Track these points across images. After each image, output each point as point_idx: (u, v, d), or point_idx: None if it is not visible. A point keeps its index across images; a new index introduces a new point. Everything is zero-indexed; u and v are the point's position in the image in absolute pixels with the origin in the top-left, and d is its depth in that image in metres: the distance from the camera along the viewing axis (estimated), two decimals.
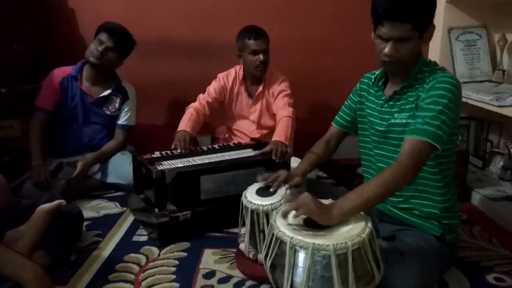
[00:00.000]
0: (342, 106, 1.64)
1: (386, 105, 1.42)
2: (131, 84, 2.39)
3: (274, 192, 1.48)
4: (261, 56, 2.17)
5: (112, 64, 2.23)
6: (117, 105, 2.31)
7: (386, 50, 1.28)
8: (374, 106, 1.48)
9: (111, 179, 2.24)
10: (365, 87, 1.54)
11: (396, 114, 1.39)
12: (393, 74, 1.42)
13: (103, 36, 2.15)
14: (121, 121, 2.34)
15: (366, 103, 1.52)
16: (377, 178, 1.23)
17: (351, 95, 1.61)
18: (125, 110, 2.34)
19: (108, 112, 2.29)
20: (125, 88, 2.34)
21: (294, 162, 2.02)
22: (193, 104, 2.25)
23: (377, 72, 1.49)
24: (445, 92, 1.25)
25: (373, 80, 1.49)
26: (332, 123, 1.67)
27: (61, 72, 2.22)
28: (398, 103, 1.39)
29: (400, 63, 1.31)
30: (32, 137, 2.14)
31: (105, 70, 2.23)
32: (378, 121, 1.45)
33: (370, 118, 1.50)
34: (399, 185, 1.22)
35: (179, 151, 1.97)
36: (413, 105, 1.33)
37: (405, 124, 1.35)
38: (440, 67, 1.37)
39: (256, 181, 1.57)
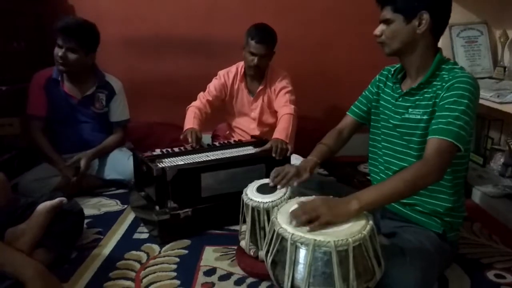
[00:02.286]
0: (359, 97, 1.62)
1: (401, 99, 1.43)
2: (116, 78, 2.31)
3: (275, 189, 1.48)
4: (255, 60, 2.16)
5: (80, 63, 2.10)
6: (104, 102, 2.25)
7: (375, 30, 1.37)
8: (390, 98, 1.48)
9: (110, 176, 2.24)
10: (383, 78, 1.54)
11: (410, 109, 1.39)
12: (404, 66, 1.42)
13: (59, 39, 2.04)
14: (115, 118, 2.30)
15: (381, 94, 1.53)
16: (402, 174, 1.22)
17: (369, 85, 1.60)
18: (116, 106, 2.28)
19: (95, 110, 2.25)
20: (110, 82, 2.26)
21: (295, 159, 2.03)
22: (194, 103, 2.25)
23: (397, 65, 1.49)
24: (466, 93, 1.25)
25: (392, 72, 1.49)
26: (347, 112, 1.65)
27: (42, 76, 2.18)
28: (413, 98, 1.39)
29: (387, 45, 1.37)
30: (42, 145, 2.17)
31: (76, 71, 2.13)
32: (391, 114, 1.45)
33: (384, 110, 1.50)
34: (423, 184, 1.21)
35: (193, 145, 1.97)
36: (430, 102, 1.33)
37: (419, 120, 1.35)
38: (459, 66, 1.36)
39: (259, 178, 1.57)
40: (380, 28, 1.37)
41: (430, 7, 1.29)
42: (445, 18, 1.35)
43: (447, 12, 1.35)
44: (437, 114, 1.29)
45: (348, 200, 1.17)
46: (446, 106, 1.26)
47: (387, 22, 1.34)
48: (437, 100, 1.31)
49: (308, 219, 1.13)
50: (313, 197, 1.30)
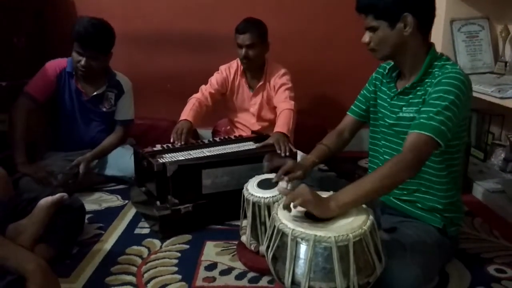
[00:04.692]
0: (358, 96, 1.62)
1: (396, 98, 1.42)
2: (126, 77, 2.30)
3: (276, 185, 1.47)
4: (243, 51, 2.16)
5: (102, 66, 2.15)
6: (112, 101, 2.24)
7: (362, 38, 1.37)
8: (385, 97, 1.47)
9: (111, 172, 2.23)
10: (379, 76, 1.54)
11: (404, 108, 1.39)
12: (397, 66, 1.42)
13: (79, 47, 2.02)
14: (120, 117, 2.29)
15: (378, 93, 1.52)
16: (378, 171, 1.22)
17: (367, 84, 1.59)
18: (122, 105, 2.27)
19: (104, 109, 2.24)
20: (120, 81, 2.26)
21: (298, 156, 2.02)
22: (195, 95, 2.25)
23: (391, 63, 1.48)
24: (452, 88, 1.25)
25: (386, 71, 1.49)
26: (347, 112, 1.65)
27: (56, 65, 2.16)
28: (407, 97, 1.39)
29: (378, 52, 1.37)
30: (19, 127, 2.04)
31: (98, 74, 2.16)
32: (388, 113, 1.45)
33: (381, 109, 1.50)
34: (399, 179, 1.21)
35: (176, 142, 1.97)
36: (421, 100, 1.33)
37: (412, 118, 1.35)
38: (451, 62, 1.35)
39: (259, 173, 1.57)
40: (367, 36, 1.36)
41: (411, 8, 1.28)
42: (430, 14, 1.34)
43: (431, 8, 1.34)
44: (421, 109, 1.29)
45: (328, 200, 1.16)
46: (431, 101, 1.26)
47: (372, 29, 1.34)
48: (426, 97, 1.31)
49: (292, 199, 1.14)
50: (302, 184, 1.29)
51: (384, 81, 1.50)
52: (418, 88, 1.36)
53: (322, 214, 1.14)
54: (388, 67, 1.50)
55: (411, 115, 1.36)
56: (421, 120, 1.24)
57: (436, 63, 1.34)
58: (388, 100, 1.45)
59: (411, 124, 1.34)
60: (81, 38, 2.00)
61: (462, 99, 1.26)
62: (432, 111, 1.23)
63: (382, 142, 1.50)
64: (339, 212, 1.15)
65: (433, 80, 1.30)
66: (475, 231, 1.76)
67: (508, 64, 2.22)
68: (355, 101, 1.62)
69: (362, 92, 1.61)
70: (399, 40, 1.32)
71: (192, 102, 2.20)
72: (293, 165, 1.49)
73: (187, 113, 2.12)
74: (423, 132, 1.22)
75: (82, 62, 2.04)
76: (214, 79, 2.30)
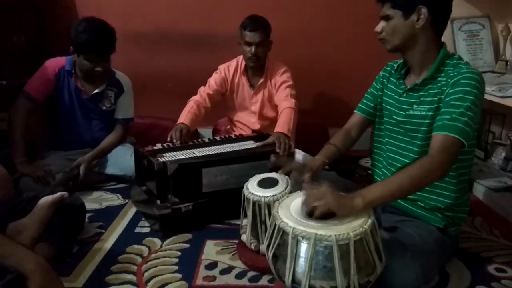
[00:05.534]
0: (366, 94, 1.61)
1: (405, 95, 1.42)
2: (126, 75, 2.30)
3: (276, 184, 1.48)
4: (252, 49, 2.15)
5: (110, 67, 2.17)
6: (112, 100, 2.24)
7: (376, 27, 1.38)
8: (393, 94, 1.47)
9: (112, 171, 2.23)
10: (386, 74, 1.54)
11: (415, 106, 1.38)
12: (406, 61, 1.42)
13: (91, 55, 2.03)
14: (119, 115, 2.28)
15: (384, 90, 1.52)
16: (407, 171, 1.22)
17: (374, 82, 1.59)
18: (122, 104, 2.27)
19: (104, 108, 2.23)
20: (120, 80, 2.25)
21: (296, 154, 2.02)
22: (194, 97, 2.25)
23: (400, 61, 1.48)
24: (471, 89, 1.25)
25: (395, 68, 1.49)
26: (354, 111, 1.63)
27: (55, 63, 2.15)
28: (417, 94, 1.38)
29: (388, 42, 1.37)
30: (17, 129, 2.05)
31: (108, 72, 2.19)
32: (395, 110, 1.45)
33: (387, 106, 1.49)
34: (429, 180, 1.21)
35: (174, 141, 1.97)
36: (435, 98, 1.32)
37: (424, 116, 1.35)
38: (464, 61, 1.35)
39: (259, 172, 1.57)
40: (380, 25, 1.37)
41: (428, 2, 1.28)
42: (445, 12, 1.34)
43: (447, 6, 1.34)
44: (442, 110, 1.28)
45: (353, 196, 1.17)
46: (452, 102, 1.26)
47: (387, 18, 1.35)
48: (442, 96, 1.30)
49: (314, 203, 1.13)
50: (325, 184, 1.29)
51: (392, 79, 1.50)
52: (430, 86, 1.35)
53: (345, 213, 1.14)
54: (396, 65, 1.50)
55: (423, 113, 1.35)
56: (445, 122, 1.24)
57: (448, 61, 1.34)
58: (396, 97, 1.45)
59: (422, 122, 1.34)
60: (94, 47, 2.01)
61: (480, 99, 1.27)
62: (456, 112, 1.23)
63: (386, 139, 1.50)
64: (364, 209, 1.15)
65: (449, 80, 1.30)
66: (475, 230, 1.76)
67: (508, 63, 2.23)
68: (363, 100, 1.61)
69: (369, 90, 1.60)
70: (410, 33, 1.32)
71: (190, 105, 2.20)
72: (302, 168, 1.48)
73: (184, 116, 2.13)
74: (449, 134, 1.22)
75: (99, 68, 2.06)
76: (213, 80, 2.30)
